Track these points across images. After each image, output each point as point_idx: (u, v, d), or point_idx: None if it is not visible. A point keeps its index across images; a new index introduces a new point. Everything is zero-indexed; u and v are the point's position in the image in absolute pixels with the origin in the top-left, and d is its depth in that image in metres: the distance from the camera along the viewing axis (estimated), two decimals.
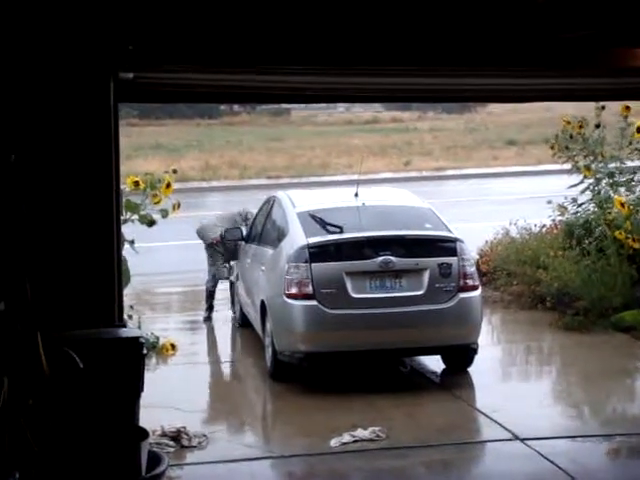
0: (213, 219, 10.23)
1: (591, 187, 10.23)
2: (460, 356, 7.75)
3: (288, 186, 18.18)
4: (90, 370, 3.99)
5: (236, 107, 44.53)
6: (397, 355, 7.85)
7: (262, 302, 7.97)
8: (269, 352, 7.73)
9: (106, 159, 4.70)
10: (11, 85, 4.33)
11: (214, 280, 10.21)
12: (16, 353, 3.76)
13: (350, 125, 39.75)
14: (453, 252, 7.51)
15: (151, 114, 38.58)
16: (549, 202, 10.68)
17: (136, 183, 7.20)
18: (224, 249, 10.09)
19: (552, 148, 10.47)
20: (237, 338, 9.65)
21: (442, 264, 7.43)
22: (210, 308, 10.22)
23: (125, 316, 5.41)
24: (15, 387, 3.72)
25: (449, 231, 7.75)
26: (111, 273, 4.71)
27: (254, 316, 8.58)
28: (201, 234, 10.16)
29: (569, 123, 10.31)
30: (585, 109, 10.78)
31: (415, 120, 40.27)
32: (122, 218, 5.93)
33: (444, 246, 7.60)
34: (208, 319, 10.14)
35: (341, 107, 50.71)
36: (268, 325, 7.75)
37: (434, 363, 7.98)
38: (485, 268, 10.81)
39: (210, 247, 10.12)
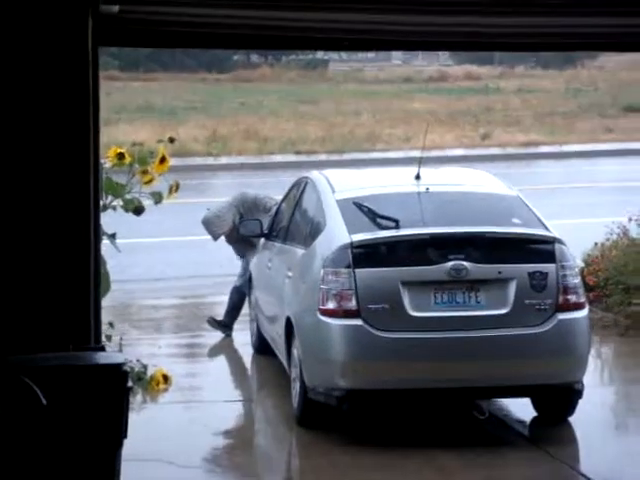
0: (224, 205, 10.32)
1: None
2: (558, 400, 7.72)
3: (325, 165, 18.27)
4: (56, 408, 4.01)
5: (255, 57, 44.74)
6: (471, 396, 7.83)
7: (288, 320, 7.99)
8: (296, 388, 7.74)
9: (82, 123, 4.72)
10: None
11: (243, 276, 10.38)
12: None
13: (408, 83, 39.77)
14: (550, 257, 7.48)
15: (139, 65, 38.97)
16: None
17: (120, 156, 7.22)
18: (239, 241, 10.29)
19: None
20: (253, 368, 9.70)
21: (534, 273, 7.40)
22: (230, 313, 10.31)
23: (102, 336, 5.44)
24: None
25: (545, 228, 7.72)
26: (86, 278, 4.73)
27: (276, 339, 8.60)
28: (208, 225, 10.26)
29: None
30: None
31: (497, 77, 40.21)
32: (101, 203, 5.96)
33: (538, 248, 7.58)
34: (224, 327, 10.27)
35: (396, 58, 50.76)
36: (295, 352, 7.77)
37: (522, 409, 7.95)
38: (593, 280, 10.73)
39: (231, 240, 10.35)
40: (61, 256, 4.69)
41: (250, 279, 10.06)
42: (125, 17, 4.98)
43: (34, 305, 4.58)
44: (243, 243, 10.36)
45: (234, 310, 10.39)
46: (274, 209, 9.97)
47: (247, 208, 10.25)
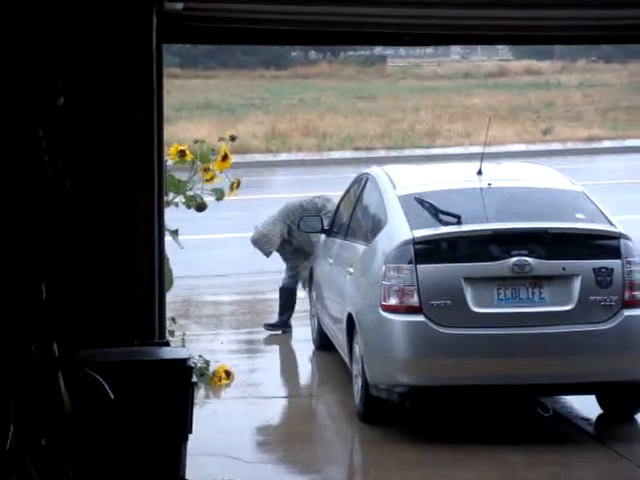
0: (269, 220, 10.32)
1: None
2: (624, 397, 7.66)
3: (384, 161, 18.20)
4: (123, 402, 4.04)
5: (313, 53, 44.74)
6: (534, 393, 7.75)
7: (349, 316, 8.00)
8: (358, 385, 7.74)
9: (146, 120, 4.75)
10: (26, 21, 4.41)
11: (293, 276, 10.41)
12: (27, 380, 3.83)
13: (468, 79, 39.55)
14: (615, 253, 7.41)
15: (198, 62, 39.10)
16: None
17: (182, 153, 7.27)
18: (293, 250, 10.32)
19: None
20: (314, 364, 9.72)
21: (600, 269, 7.33)
22: (284, 312, 10.32)
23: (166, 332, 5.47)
24: (24, 424, 3.80)
25: (610, 224, 7.65)
26: (150, 274, 4.77)
27: (338, 335, 8.61)
28: (257, 244, 10.33)
29: None
30: None
31: (558, 72, 39.79)
32: (164, 200, 5.99)
33: (603, 244, 7.52)
34: (282, 326, 10.28)
35: (455, 53, 50.49)
36: (357, 348, 7.77)
37: (587, 406, 7.89)
38: None
39: (285, 255, 10.44)
40: (126, 253, 4.73)
41: (311, 275, 10.08)
42: (189, 14, 5.01)
43: (100, 301, 4.62)
44: (297, 254, 10.40)
45: (286, 308, 10.41)
46: (327, 205, 10.01)
47: (296, 217, 10.13)
